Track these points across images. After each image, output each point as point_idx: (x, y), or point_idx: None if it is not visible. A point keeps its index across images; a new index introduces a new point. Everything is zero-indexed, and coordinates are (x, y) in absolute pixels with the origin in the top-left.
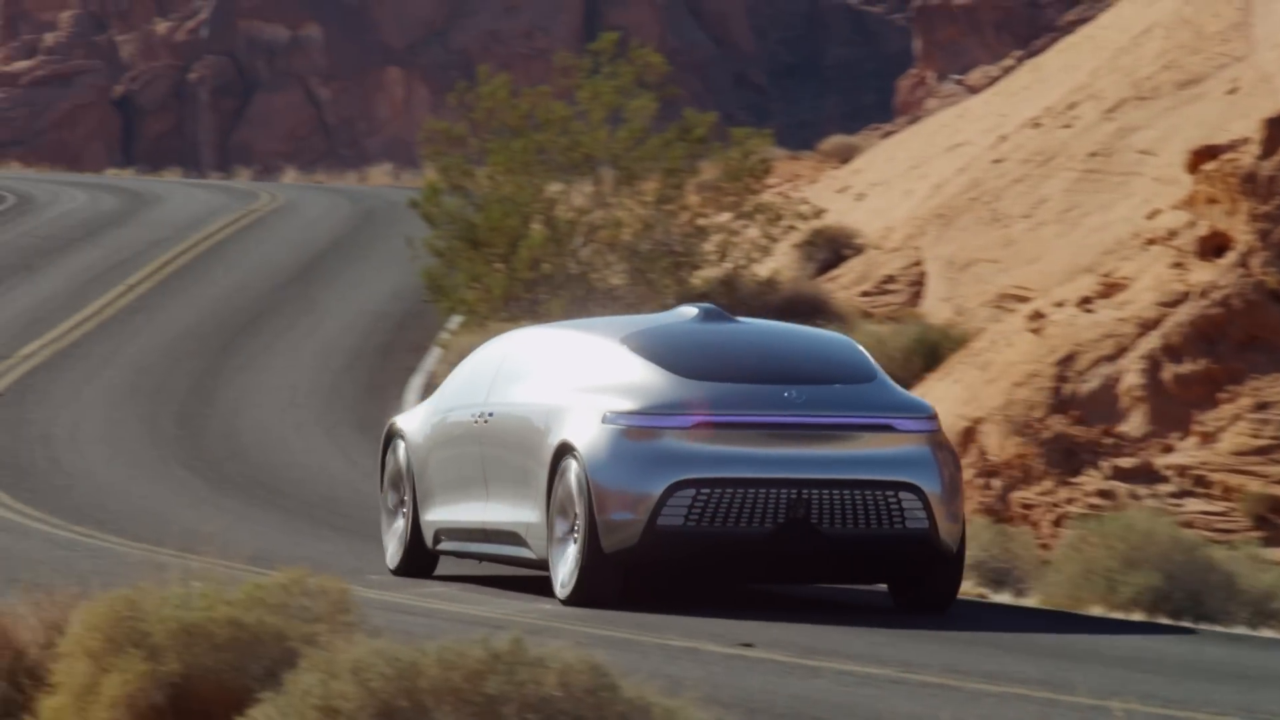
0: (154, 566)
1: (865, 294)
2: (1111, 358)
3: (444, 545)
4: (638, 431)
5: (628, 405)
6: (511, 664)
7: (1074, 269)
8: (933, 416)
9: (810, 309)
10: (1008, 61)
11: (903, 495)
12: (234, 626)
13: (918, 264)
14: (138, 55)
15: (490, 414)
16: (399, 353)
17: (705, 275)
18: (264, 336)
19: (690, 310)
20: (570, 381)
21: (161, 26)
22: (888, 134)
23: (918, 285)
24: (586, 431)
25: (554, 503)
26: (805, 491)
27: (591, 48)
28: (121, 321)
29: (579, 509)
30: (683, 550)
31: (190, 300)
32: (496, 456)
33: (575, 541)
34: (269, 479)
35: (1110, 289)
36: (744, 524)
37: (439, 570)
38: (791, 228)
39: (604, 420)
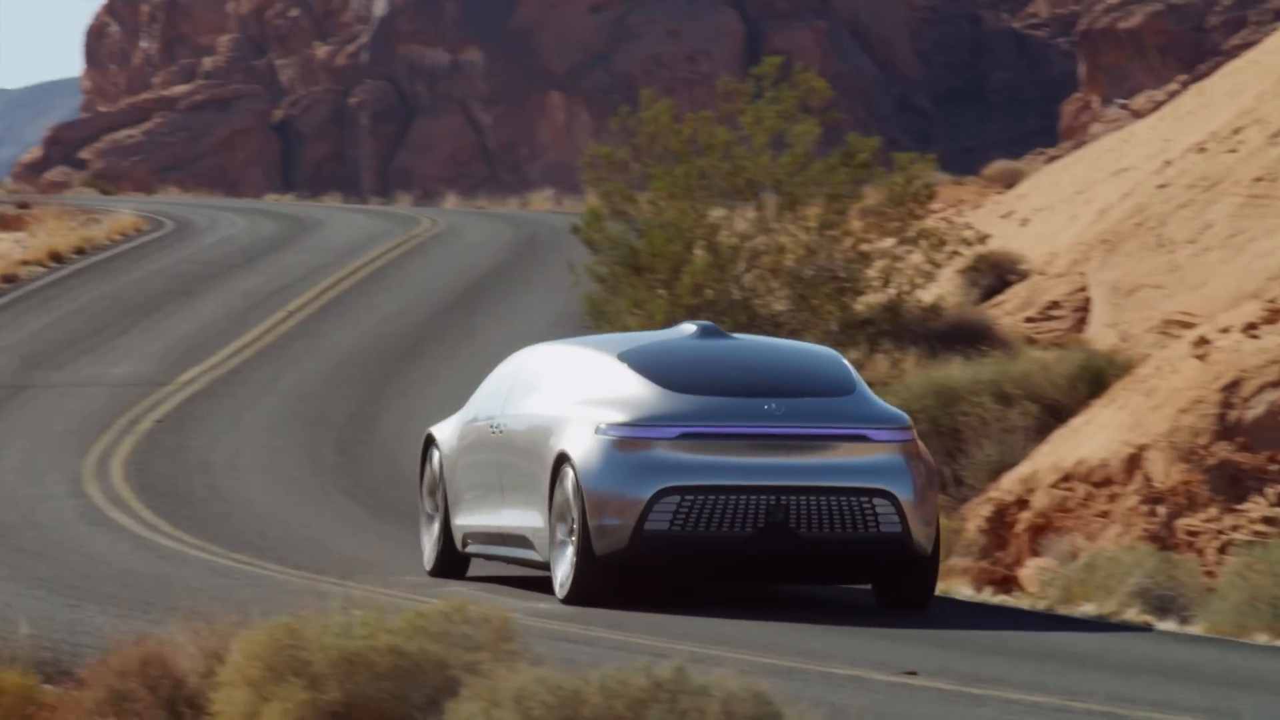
0: (314, 595)
1: (1029, 320)
2: (1277, 384)
3: (470, 548)
4: (627, 442)
5: (619, 417)
6: (674, 692)
7: (1239, 295)
8: (907, 427)
9: (974, 335)
10: (1172, 86)
11: (876, 501)
12: (395, 655)
13: (1082, 290)
14: (297, 80)
15: (504, 424)
16: None
17: (869, 301)
18: (425, 363)
19: (689, 327)
20: (571, 395)
21: (321, 51)
22: (1052, 159)
23: (1082, 311)
24: (581, 442)
25: (554, 508)
26: (784, 498)
27: (754, 72)
28: (281, 348)
29: (575, 514)
30: (669, 553)
31: (351, 326)
32: (509, 464)
33: (572, 545)
34: None
35: (1276, 315)
36: (726, 528)
37: (471, 571)
38: (955, 253)
39: (597, 431)
